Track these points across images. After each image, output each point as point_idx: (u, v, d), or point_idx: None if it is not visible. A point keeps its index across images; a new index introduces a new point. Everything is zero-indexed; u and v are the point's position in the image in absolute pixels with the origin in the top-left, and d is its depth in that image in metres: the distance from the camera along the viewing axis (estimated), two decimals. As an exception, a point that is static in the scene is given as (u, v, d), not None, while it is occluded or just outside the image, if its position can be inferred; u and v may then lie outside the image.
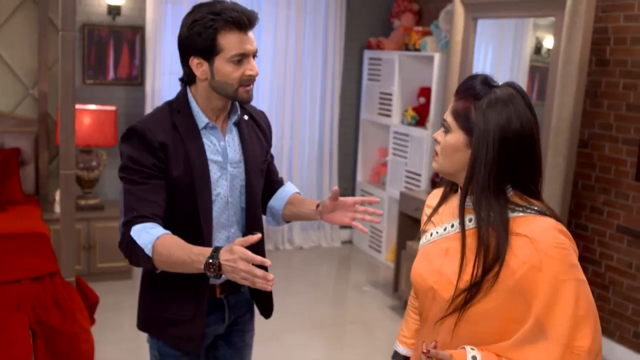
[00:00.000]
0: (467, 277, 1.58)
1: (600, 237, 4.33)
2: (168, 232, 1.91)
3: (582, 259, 4.46)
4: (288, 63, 6.02)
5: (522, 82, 5.63)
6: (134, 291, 5.06)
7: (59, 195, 5.04)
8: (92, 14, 5.35)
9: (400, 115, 5.89)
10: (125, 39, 5.45)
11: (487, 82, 1.63)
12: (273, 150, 5.78)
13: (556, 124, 4.16)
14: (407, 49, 5.85)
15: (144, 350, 4.47)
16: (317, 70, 6.19)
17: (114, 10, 5.34)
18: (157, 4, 5.39)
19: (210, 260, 1.75)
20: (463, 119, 1.61)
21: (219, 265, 1.74)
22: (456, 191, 1.77)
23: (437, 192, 1.85)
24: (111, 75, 5.47)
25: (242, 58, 1.95)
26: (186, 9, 5.48)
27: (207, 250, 1.79)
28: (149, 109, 5.50)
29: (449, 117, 1.64)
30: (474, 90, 1.61)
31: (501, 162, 1.58)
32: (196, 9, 1.97)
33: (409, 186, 5.66)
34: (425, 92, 5.78)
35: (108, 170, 5.48)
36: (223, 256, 1.74)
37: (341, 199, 2.13)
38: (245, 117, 2.17)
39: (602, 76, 4.27)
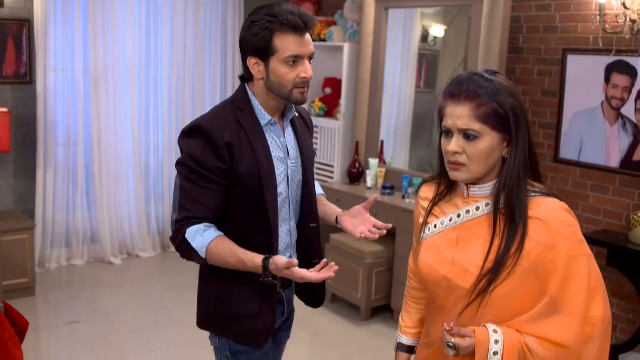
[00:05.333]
0: (492, 257, 1.64)
1: (520, 218, 4.50)
2: (220, 234, 1.98)
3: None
4: (187, 57, 5.75)
5: (412, 70, 5.75)
6: (37, 309, 4.75)
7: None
8: (-31, 6, 4.80)
9: (307, 107, 5.81)
10: (10, 33, 4.95)
11: (484, 76, 1.66)
12: (175, 147, 5.53)
13: (479, 111, 4.26)
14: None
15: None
16: (217, 64, 5.97)
17: (-4, 2, 4.83)
18: (46, -5, 4.94)
19: (267, 273, 1.92)
20: (494, 119, 1.63)
21: (274, 276, 1.94)
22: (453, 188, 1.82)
23: (431, 186, 1.88)
24: (-4, 73, 4.96)
25: (296, 60, 1.97)
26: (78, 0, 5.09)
27: (259, 260, 1.93)
28: (41, 109, 5.05)
29: (474, 124, 1.63)
30: (487, 89, 1.63)
31: (530, 140, 1.68)
32: (256, 11, 2.00)
33: (320, 178, 5.60)
34: (331, 82, 5.75)
35: (2, 179, 4.96)
36: (273, 271, 1.93)
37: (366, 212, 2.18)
38: (296, 114, 2.19)
39: (516, 63, 4.43)
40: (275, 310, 2.14)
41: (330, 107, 5.70)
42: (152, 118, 5.74)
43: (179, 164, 2.00)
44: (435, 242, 1.78)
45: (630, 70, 3.81)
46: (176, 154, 5.83)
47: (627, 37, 3.77)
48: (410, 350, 1.99)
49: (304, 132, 2.20)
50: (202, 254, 1.95)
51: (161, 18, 5.59)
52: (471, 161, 1.66)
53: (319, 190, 2.37)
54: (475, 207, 1.73)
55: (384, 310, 4.71)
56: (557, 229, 1.62)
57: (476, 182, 1.72)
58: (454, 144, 1.65)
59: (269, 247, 2.03)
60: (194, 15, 5.71)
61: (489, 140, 1.64)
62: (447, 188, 1.81)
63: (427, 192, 1.87)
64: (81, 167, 5.36)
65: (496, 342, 1.60)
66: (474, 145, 1.64)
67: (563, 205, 1.69)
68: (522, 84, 4.41)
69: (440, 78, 6.02)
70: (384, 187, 4.87)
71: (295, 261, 1.86)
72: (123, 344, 4.12)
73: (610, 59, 3.88)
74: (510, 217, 1.65)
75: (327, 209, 2.29)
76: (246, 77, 2.08)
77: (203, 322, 2.19)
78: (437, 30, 5.79)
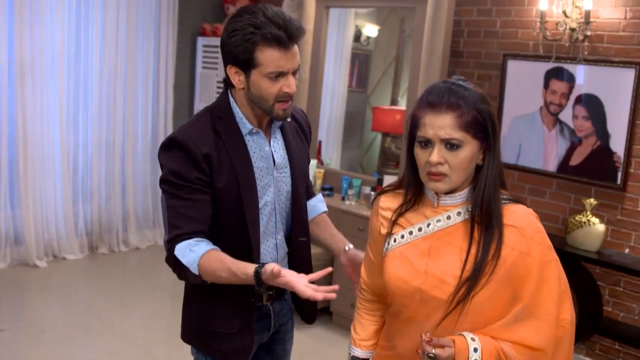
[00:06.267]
0: (469, 265, 1.63)
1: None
2: (211, 247, 1.86)
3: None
4: (119, 51, 5.53)
5: (345, 69, 5.76)
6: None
7: None
8: None
9: (242, 105, 5.70)
10: None
11: (463, 85, 1.67)
12: (104, 145, 5.34)
13: (421, 114, 4.28)
14: (247, 36, 5.67)
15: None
16: (150, 59, 5.77)
17: None
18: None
19: (260, 283, 1.78)
20: (475, 128, 1.63)
21: (268, 287, 1.81)
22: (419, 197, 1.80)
23: (391, 196, 1.85)
24: None
25: (279, 75, 1.86)
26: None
27: (251, 269, 1.78)
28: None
29: (457, 134, 1.62)
30: (468, 98, 1.64)
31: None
32: (239, 15, 1.85)
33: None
34: (268, 81, 5.65)
35: None
36: (266, 280, 1.78)
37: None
38: (288, 119, 2.05)
39: (456, 67, 4.47)
40: (254, 331, 2.04)
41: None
42: (82, 113, 5.48)
43: (162, 182, 1.90)
44: (404, 253, 1.75)
45: (568, 77, 3.90)
46: (105, 151, 5.66)
47: (567, 44, 3.86)
48: None
49: (295, 138, 2.09)
50: (194, 270, 1.83)
51: (92, 8, 5.34)
52: (453, 171, 1.65)
53: (322, 207, 2.28)
54: (446, 216, 1.72)
55: (323, 313, 4.66)
56: (531, 235, 1.65)
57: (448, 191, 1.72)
58: (435, 155, 1.63)
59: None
60: (127, 6, 5.50)
61: (469, 148, 1.64)
62: (413, 197, 1.78)
63: (388, 202, 1.85)
64: (4, 164, 5.06)
65: (475, 350, 1.63)
66: (456, 155, 1.63)
67: (532, 211, 1.72)
68: (462, 87, 4.46)
69: (371, 78, 6.04)
70: (323, 189, 4.83)
71: (277, 268, 1.72)
72: (55, 353, 3.91)
73: (550, 65, 3.97)
74: (486, 224, 1.66)
75: (335, 238, 2.19)
76: (227, 83, 1.96)
77: (186, 336, 2.13)
78: (370, 29, 5.81)
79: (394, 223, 1.79)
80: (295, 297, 2.18)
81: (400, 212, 1.79)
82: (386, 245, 1.80)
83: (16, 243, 5.27)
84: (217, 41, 5.79)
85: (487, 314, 1.65)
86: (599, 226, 3.63)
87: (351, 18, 5.65)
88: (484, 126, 1.65)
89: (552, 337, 1.66)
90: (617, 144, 3.75)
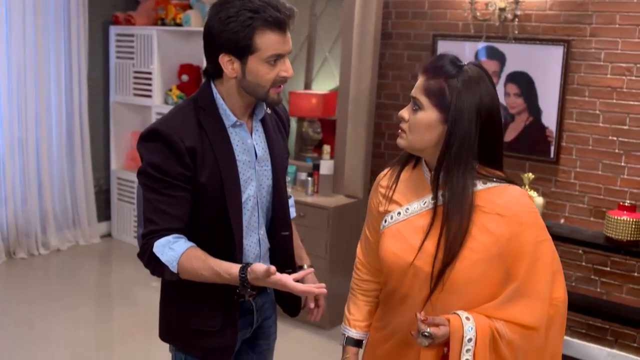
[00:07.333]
0: (442, 244, 1.68)
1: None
2: (191, 245, 1.83)
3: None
4: (27, 43, 5.17)
5: None
6: None
7: None
8: None
9: (162, 95, 5.51)
10: None
11: (455, 62, 1.70)
12: (17, 143, 5.01)
13: (355, 96, 4.28)
14: (163, 23, 5.47)
15: None
16: (60, 51, 5.43)
17: None
18: None
19: (245, 284, 1.76)
20: (437, 97, 1.67)
21: (252, 286, 1.78)
22: (413, 167, 1.83)
23: (391, 174, 1.88)
24: None
25: (277, 58, 1.83)
26: None
27: (235, 270, 1.76)
28: None
29: (420, 96, 1.68)
30: (445, 69, 1.67)
31: (474, 137, 1.67)
32: (228, 2, 1.78)
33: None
34: (187, 69, 5.49)
35: None
36: (252, 281, 1.76)
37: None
38: (268, 111, 2.03)
39: (386, 48, 4.49)
40: (237, 329, 2.00)
41: (188, 95, 5.43)
42: (-10, 111, 5.12)
43: (140, 173, 1.85)
44: (400, 229, 1.78)
45: (499, 56, 4.00)
46: (18, 150, 5.33)
47: (496, 24, 3.95)
48: (358, 344, 1.98)
49: (275, 131, 2.06)
50: (174, 268, 1.79)
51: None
52: (410, 130, 1.72)
53: (291, 212, 2.22)
54: (441, 194, 1.73)
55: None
56: (523, 216, 1.69)
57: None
58: (404, 110, 1.74)
59: (231, 261, 1.87)
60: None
61: (427, 114, 1.68)
62: (401, 168, 1.83)
63: (386, 180, 1.88)
64: None
65: (470, 328, 1.65)
66: (415, 115, 1.70)
67: (524, 192, 1.76)
68: (392, 69, 4.49)
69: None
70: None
71: (273, 268, 1.71)
72: (-14, 368, 3.66)
73: (480, 44, 4.05)
74: (451, 201, 1.68)
75: (298, 250, 2.22)
76: (211, 73, 1.90)
77: (166, 335, 2.08)
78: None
79: (390, 200, 1.82)
80: (277, 290, 2.14)
81: (393, 188, 1.82)
82: (383, 222, 1.83)
83: None
84: (131, 30, 5.55)
85: (479, 293, 1.69)
86: (537, 199, 3.75)
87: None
88: (450, 102, 1.65)
89: (544, 316, 1.70)
90: (549, 119, 3.88)
